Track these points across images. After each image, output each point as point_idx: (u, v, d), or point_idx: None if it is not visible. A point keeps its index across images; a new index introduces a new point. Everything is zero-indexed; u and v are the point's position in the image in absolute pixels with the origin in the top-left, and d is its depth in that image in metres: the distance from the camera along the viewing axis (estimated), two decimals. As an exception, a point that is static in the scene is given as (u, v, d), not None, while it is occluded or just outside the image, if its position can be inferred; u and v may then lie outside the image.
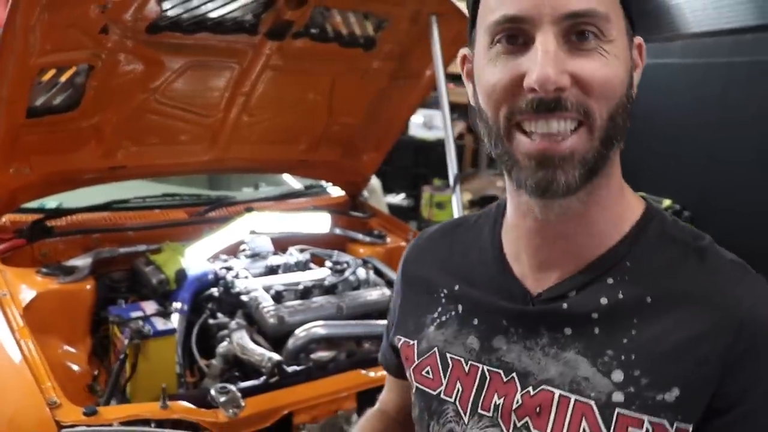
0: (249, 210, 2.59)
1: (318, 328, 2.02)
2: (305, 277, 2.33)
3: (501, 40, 0.71)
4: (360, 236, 2.74)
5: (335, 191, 3.09)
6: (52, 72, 1.90)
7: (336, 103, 2.53)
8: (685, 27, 4.65)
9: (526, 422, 0.77)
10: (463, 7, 2.15)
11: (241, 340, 1.99)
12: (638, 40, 0.77)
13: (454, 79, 6.80)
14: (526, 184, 0.73)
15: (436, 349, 0.87)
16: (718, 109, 4.01)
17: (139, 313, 1.98)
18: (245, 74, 2.24)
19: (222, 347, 2.05)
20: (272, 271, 2.44)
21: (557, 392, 0.75)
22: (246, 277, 2.31)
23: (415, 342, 0.91)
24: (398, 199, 6.09)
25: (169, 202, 2.63)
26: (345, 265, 2.41)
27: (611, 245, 0.78)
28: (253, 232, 2.56)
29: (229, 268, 2.37)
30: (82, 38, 1.79)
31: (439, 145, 6.68)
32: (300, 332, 2.03)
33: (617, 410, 0.72)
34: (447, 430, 0.84)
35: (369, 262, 2.51)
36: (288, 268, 2.45)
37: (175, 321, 2.05)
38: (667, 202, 3.74)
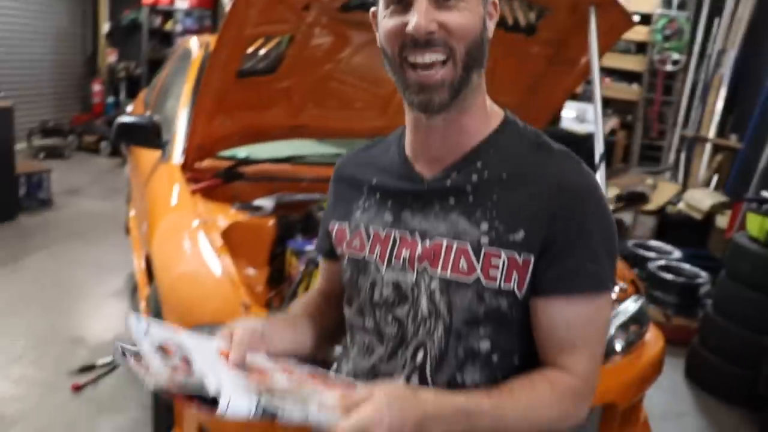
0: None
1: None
2: None
3: (392, 4, 1.02)
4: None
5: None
6: (260, 41, 2.29)
7: (495, 83, 2.74)
8: None
9: (425, 265, 1.08)
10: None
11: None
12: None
13: (611, 73, 6.85)
14: (413, 103, 1.05)
15: (362, 225, 1.17)
16: None
17: (312, 247, 2.35)
18: (417, 51, 2.54)
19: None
20: None
21: (445, 241, 1.06)
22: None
23: (347, 223, 1.20)
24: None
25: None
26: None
27: (479, 141, 1.09)
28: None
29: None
30: (288, 13, 2.16)
31: (590, 139, 6.72)
32: None
33: (484, 249, 1.03)
34: (370, 281, 1.14)
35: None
36: None
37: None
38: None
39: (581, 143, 6.60)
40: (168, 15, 9.55)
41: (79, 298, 4.24)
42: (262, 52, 2.37)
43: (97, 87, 9.21)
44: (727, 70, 6.18)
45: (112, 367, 3.32)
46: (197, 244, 2.24)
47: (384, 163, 1.19)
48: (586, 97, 6.23)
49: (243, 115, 2.58)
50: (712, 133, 6.32)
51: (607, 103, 6.53)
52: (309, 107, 2.67)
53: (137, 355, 1.00)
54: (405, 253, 1.10)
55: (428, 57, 1.00)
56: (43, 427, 2.90)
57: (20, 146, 7.22)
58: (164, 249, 2.36)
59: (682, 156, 6.49)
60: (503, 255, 1.02)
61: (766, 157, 5.24)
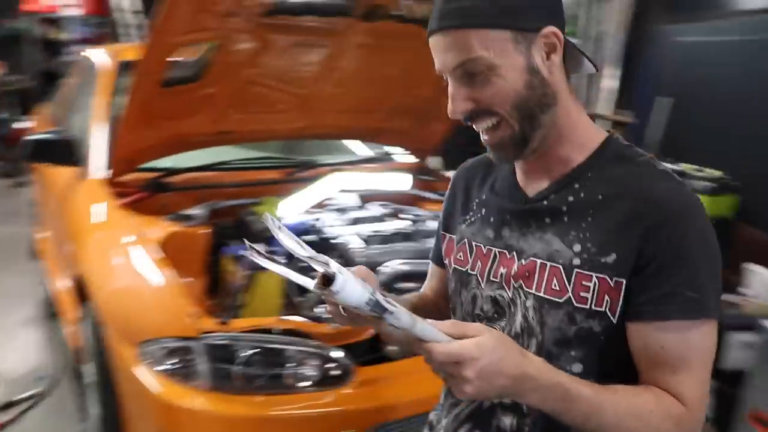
0: (337, 170, 2.96)
1: (400, 266, 2.38)
2: (388, 227, 2.69)
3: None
4: (430, 195, 3.10)
5: (400, 159, 3.45)
6: (185, 49, 2.29)
7: (412, 77, 2.87)
8: (740, 5, 4.85)
9: (520, 283, 1.09)
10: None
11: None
12: (545, 31, 1.01)
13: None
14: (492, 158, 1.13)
15: (466, 239, 1.21)
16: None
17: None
18: (337, 51, 2.60)
19: (317, 283, 2.42)
20: (356, 222, 2.81)
21: (539, 261, 1.07)
22: (335, 226, 2.69)
23: (454, 236, 1.25)
24: (449, 175, 6.42)
25: (264, 164, 3.01)
26: (419, 218, 2.77)
27: (577, 164, 1.10)
28: (343, 190, 2.94)
29: (318, 220, 2.75)
30: (213, 21, 2.17)
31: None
32: (384, 269, 2.40)
33: (575, 270, 1.03)
34: (471, 294, 1.19)
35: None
36: (370, 220, 2.81)
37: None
38: (714, 173, 3.99)
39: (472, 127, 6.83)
40: (54, 23, 9.12)
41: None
42: (186, 60, 2.36)
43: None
44: (615, 50, 6.54)
45: (34, 401, 3.18)
46: (136, 259, 2.22)
47: (496, 179, 1.22)
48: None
49: (167, 125, 2.56)
50: (605, 110, 6.68)
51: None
52: (232, 113, 2.67)
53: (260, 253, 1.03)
54: (503, 270, 1.12)
55: (478, 126, 1.06)
56: None
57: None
58: (100, 268, 2.32)
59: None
60: (594, 278, 1.02)
61: (654, 130, 5.60)
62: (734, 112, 4.67)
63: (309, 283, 0.95)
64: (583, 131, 1.10)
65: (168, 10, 1.99)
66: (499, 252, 1.14)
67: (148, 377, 1.92)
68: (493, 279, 1.13)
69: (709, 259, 1.00)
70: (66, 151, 2.87)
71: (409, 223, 2.77)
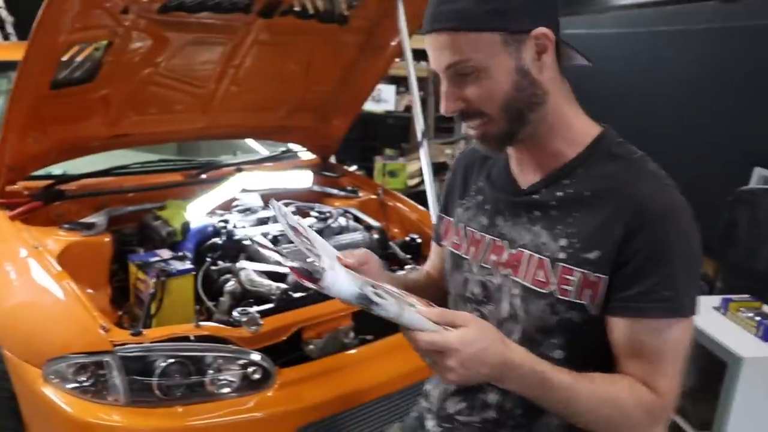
0: (240, 170, 2.90)
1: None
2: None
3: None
4: (335, 191, 3.09)
5: (305, 156, 3.42)
6: (75, 48, 2.16)
7: (312, 73, 2.86)
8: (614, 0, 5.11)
9: (509, 271, 1.17)
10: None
11: (249, 276, 2.32)
12: (535, 32, 1.06)
13: (398, 53, 7.19)
14: None
15: (462, 224, 1.29)
16: (645, 75, 4.48)
17: (158, 257, 2.28)
18: (236, 49, 2.54)
19: (230, 286, 2.37)
20: (262, 222, 2.76)
21: (527, 252, 1.15)
22: (243, 227, 2.63)
23: (452, 219, 1.33)
24: (352, 170, 6.43)
25: (164, 166, 2.90)
26: (328, 214, 2.75)
27: (569, 159, 1.15)
28: (244, 190, 2.87)
29: (225, 221, 2.68)
30: (106, 18, 2.06)
31: (388, 117, 7.02)
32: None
33: (560, 264, 1.10)
34: (463, 277, 1.27)
35: (348, 211, 2.87)
36: (276, 220, 2.76)
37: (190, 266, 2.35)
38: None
39: (379, 122, 6.89)
40: None
41: None
42: (77, 60, 2.23)
43: None
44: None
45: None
46: (31, 274, 2.09)
47: (493, 167, 1.28)
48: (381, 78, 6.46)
49: (59, 129, 2.41)
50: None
51: (399, 81, 6.85)
52: (129, 115, 2.56)
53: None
54: (493, 257, 1.20)
55: (467, 125, 1.14)
56: None
57: None
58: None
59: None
60: (577, 272, 1.08)
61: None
62: (612, 100, 4.92)
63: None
64: (575, 127, 1.16)
65: (52, 6, 1.87)
66: (491, 239, 1.21)
67: (57, 397, 1.81)
68: (484, 265, 1.21)
69: (688, 261, 1.06)
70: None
71: (315, 220, 2.75)
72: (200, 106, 2.73)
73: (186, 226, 2.53)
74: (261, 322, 1.99)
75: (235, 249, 2.55)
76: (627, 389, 1.06)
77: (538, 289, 1.12)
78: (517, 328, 1.15)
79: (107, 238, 2.38)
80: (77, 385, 1.82)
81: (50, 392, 1.82)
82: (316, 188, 3.12)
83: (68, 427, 1.80)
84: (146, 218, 2.54)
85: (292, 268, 1.00)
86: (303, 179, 3.01)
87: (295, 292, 2.25)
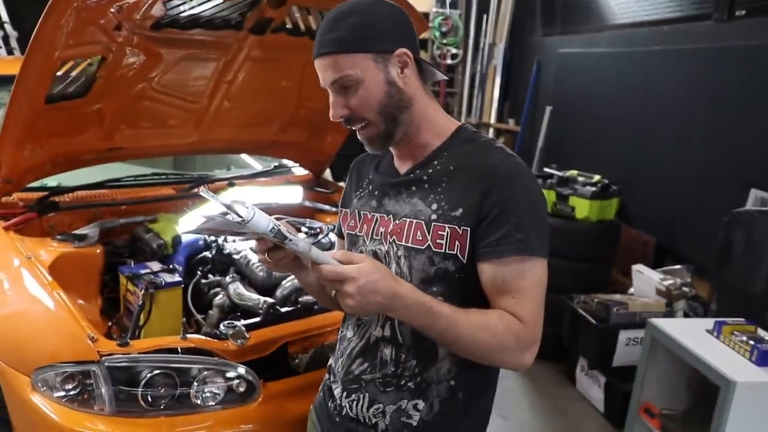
0: (232, 185, 2.93)
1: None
2: None
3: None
4: (327, 207, 3.12)
5: (299, 171, 3.46)
6: (69, 64, 2.21)
7: (305, 90, 2.90)
8: (611, 19, 5.17)
9: (394, 238, 1.38)
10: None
11: (237, 290, 2.35)
12: (398, 52, 1.32)
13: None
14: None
15: (356, 209, 1.51)
16: (641, 94, 4.51)
17: (148, 270, 2.31)
18: (229, 65, 2.59)
19: (218, 299, 2.41)
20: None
21: (407, 220, 1.37)
22: (234, 241, 2.67)
23: (348, 209, 1.54)
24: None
25: (157, 180, 2.94)
26: (318, 230, 2.78)
27: (436, 147, 1.40)
28: (241, 203, 2.90)
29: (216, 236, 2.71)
30: (99, 34, 2.11)
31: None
32: (286, 283, 2.41)
33: (433, 223, 1.33)
34: (359, 250, 1.46)
35: (338, 227, 2.91)
36: None
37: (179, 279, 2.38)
38: (597, 177, 4.23)
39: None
40: None
41: None
42: (71, 75, 2.27)
43: None
44: (499, 61, 6.80)
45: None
46: (23, 283, 2.12)
47: (381, 163, 1.51)
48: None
49: (53, 142, 2.46)
50: (492, 119, 6.93)
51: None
52: (123, 129, 2.60)
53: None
54: (382, 229, 1.41)
55: (353, 126, 1.37)
56: None
57: None
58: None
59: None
60: (447, 228, 1.31)
61: (541, 137, 5.86)
62: (610, 118, 4.97)
63: (238, 214, 1.17)
64: (438, 123, 1.42)
65: (48, 23, 1.92)
66: (379, 216, 1.43)
67: (44, 405, 1.84)
68: (375, 237, 1.43)
69: (533, 211, 1.30)
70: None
71: (304, 236, 2.78)
72: (193, 121, 2.77)
73: (177, 240, 2.57)
74: (247, 335, 2.03)
75: (225, 263, 2.59)
76: (498, 318, 1.27)
77: (418, 247, 1.34)
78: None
79: (98, 250, 2.42)
80: (64, 393, 1.85)
81: (38, 400, 1.85)
82: (308, 204, 3.15)
83: None
84: (137, 231, 2.58)
85: (224, 204, 1.18)
86: (292, 195, 3.04)
87: (282, 306, 2.28)
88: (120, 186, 2.82)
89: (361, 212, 1.49)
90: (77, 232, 2.45)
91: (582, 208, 4.09)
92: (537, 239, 1.28)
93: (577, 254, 4.05)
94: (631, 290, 3.87)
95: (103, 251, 2.44)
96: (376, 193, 1.47)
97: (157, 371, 1.88)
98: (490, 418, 1.52)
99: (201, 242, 2.67)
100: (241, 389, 1.97)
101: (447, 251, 1.31)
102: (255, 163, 3.61)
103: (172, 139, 2.80)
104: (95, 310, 2.37)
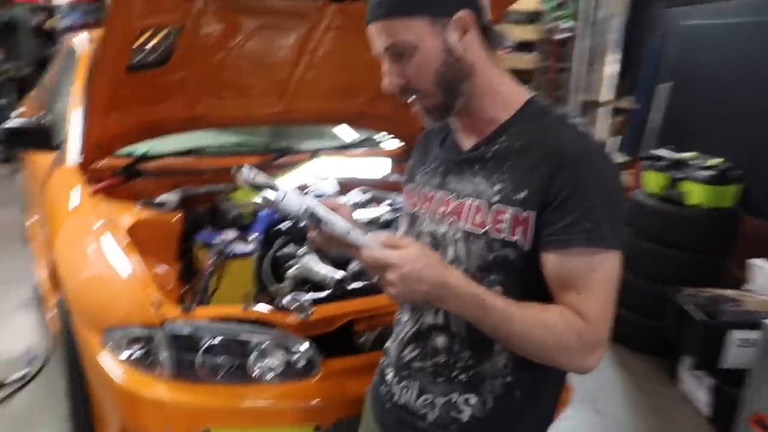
0: (316, 156, 2.90)
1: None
2: (366, 214, 2.63)
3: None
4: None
5: (388, 144, 3.38)
6: (148, 32, 2.23)
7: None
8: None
9: (453, 219, 1.29)
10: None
11: (308, 263, 2.32)
12: (457, 15, 1.20)
13: (506, 44, 7.04)
14: None
15: (419, 186, 1.41)
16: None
17: (221, 238, 2.32)
18: (310, 34, 2.54)
19: (291, 271, 2.38)
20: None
21: (468, 200, 1.27)
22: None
23: (412, 185, 1.45)
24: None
25: (242, 149, 2.95)
26: (401, 205, 2.70)
27: (502, 121, 1.28)
28: (320, 176, 2.88)
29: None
30: (175, 3, 2.11)
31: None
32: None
33: (494, 205, 1.22)
34: (417, 231, 1.38)
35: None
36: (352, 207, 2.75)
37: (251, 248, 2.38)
38: (715, 161, 3.89)
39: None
40: (49, 11, 9.09)
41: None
42: (151, 44, 2.30)
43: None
44: (616, 35, 6.43)
45: (25, 382, 3.22)
46: (102, 246, 2.17)
47: (446, 139, 1.40)
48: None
49: (138, 110, 2.51)
50: (607, 96, 6.58)
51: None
52: (205, 98, 2.62)
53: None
54: (442, 208, 1.32)
55: (407, 99, 1.28)
56: None
57: None
58: (68, 254, 2.28)
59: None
60: (508, 211, 1.20)
61: (656, 116, 5.50)
62: (737, 96, 4.56)
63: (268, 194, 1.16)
64: (505, 95, 1.30)
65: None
66: (441, 195, 1.34)
67: (110, 365, 1.89)
68: (435, 217, 1.33)
69: (606, 196, 1.17)
70: (39, 138, 2.84)
71: (388, 209, 2.71)
72: (276, 91, 2.75)
73: (254, 209, 2.56)
74: (311, 309, 1.97)
75: (301, 235, 2.56)
76: (558, 314, 1.16)
77: (476, 230, 1.24)
78: (461, 268, 1.25)
79: (177, 217, 2.45)
80: (128, 355, 1.88)
81: (105, 359, 1.91)
82: (396, 177, 3.08)
83: (117, 394, 1.88)
84: (217, 199, 2.60)
85: (254, 186, 1.17)
86: (380, 168, 2.97)
87: (353, 282, 2.23)
88: (205, 154, 2.85)
89: (423, 190, 1.39)
90: (158, 199, 2.49)
91: (695, 193, 3.75)
92: (609, 228, 1.16)
93: (686, 243, 3.74)
94: (749, 286, 3.55)
95: (183, 218, 2.46)
96: (440, 169, 1.37)
97: (216, 340, 1.87)
98: (553, 418, 1.42)
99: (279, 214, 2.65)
100: (301, 364, 1.93)
101: (507, 238, 1.20)
102: (351, 134, 3.56)
103: (255, 109, 2.79)
104: (173, 275, 2.41)
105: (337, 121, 3.31)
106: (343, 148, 3.21)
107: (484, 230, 1.23)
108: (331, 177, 2.88)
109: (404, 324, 1.42)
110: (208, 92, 2.62)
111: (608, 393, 3.50)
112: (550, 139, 1.20)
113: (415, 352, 1.38)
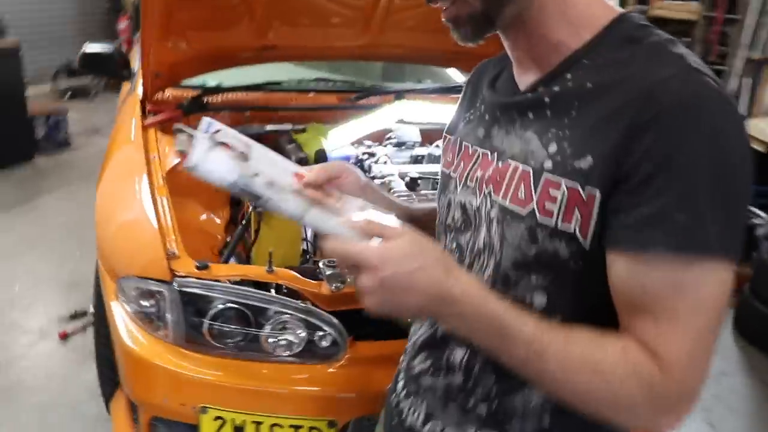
0: (399, 98, 2.54)
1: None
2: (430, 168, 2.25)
3: None
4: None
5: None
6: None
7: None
8: None
9: (491, 189, 0.92)
10: None
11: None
12: None
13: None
14: None
15: (459, 138, 1.05)
16: None
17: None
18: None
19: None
20: (416, 161, 2.38)
21: (512, 163, 0.89)
22: (385, 163, 2.29)
23: (452, 136, 1.09)
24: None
25: (321, 86, 2.65)
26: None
27: (573, 49, 0.87)
28: (401, 121, 2.52)
29: (371, 154, 2.36)
30: None
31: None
32: None
33: (545, 175, 0.83)
34: (447, 200, 1.04)
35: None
36: (433, 160, 2.36)
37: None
38: None
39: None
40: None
41: (85, 242, 4.05)
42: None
43: (123, 24, 8.86)
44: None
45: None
46: (135, 187, 1.95)
47: (502, 71, 1.04)
48: None
49: (199, 36, 2.25)
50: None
51: (663, 23, 5.90)
52: (277, 25, 2.31)
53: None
54: (479, 173, 0.96)
55: (435, 4, 0.94)
56: (26, 376, 2.83)
57: (44, 87, 7.12)
58: (103, 191, 2.08)
59: (747, 82, 5.85)
60: (563, 185, 0.81)
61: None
62: None
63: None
64: (581, 9, 0.88)
65: None
66: (482, 153, 0.98)
67: (119, 317, 1.71)
68: (469, 183, 0.98)
69: (719, 176, 0.73)
70: (112, 65, 2.68)
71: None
72: (360, 21, 2.40)
73: (321, 154, 2.26)
74: (346, 280, 1.64)
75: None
76: (619, 352, 0.76)
77: (516, 209, 0.86)
78: (492, 261, 0.91)
79: (230, 158, 2.19)
80: (137, 308, 1.67)
81: (115, 311, 1.73)
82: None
83: (118, 348, 1.71)
84: (280, 140, 2.32)
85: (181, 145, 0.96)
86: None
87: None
88: (280, 89, 2.57)
89: (464, 144, 1.03)
90: (214, 136, 2.24)
91: None
92: (717, 227, 0.73)
93: None
94: None
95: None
96: (486, 117, 1.00)
97: (229, 304, 1.60)
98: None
99: (351, 160, 2.32)
100: (324, 344, 1.62)
101: (559, 224, 0.81)
102: (459, 78, 3.15)
103: (335, 41, 2.45)
104: (221, 222, 2.17)
105: (430, 61, 2.90)
106: (436, 91, 2.79)
107: (527, 210, 0.84)
108: (413, 124, 2.50)
109: (421, 324, 1.08)
110: (281, 19, 2.32)
111: (728, 403, 2.93)
112: (640, 76, 0.77)
113: (427, 364, 1.03)
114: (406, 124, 2.51)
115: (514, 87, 0.96)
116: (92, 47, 2.74)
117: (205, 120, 0.99)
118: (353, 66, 3.04)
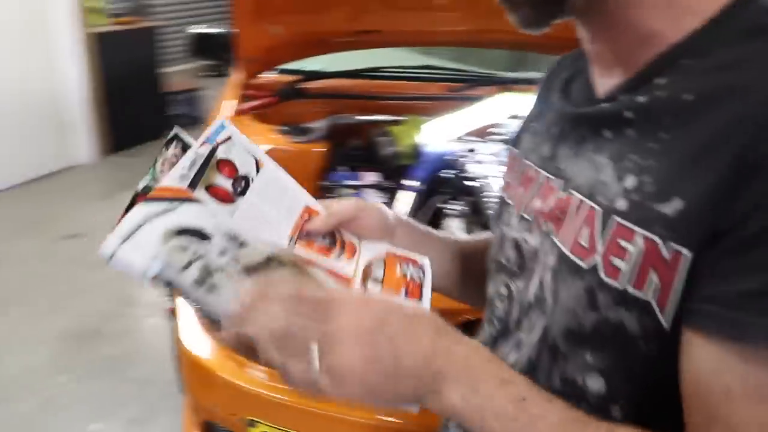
0: (509, 90, 2.33)
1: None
2: None
3: None
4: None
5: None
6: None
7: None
8: None
9: (551, 227, 0.72)
10: None
11: (448, 228, 1.81)
12: None
13: None
14: None
15: (522, 155, 0.85)
16: None
17: (352, 182, 1.91)
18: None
19: (438, 232, 1.89)
20: None
21: (577, 196, 0.67)
22: (482, 163, 2.09)
23: (516, 150, 0.88)
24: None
25: (426, 74, 2.48)
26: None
27: (671, 43, 0.63)
28: (513, 117, 2.30)
29: (471, 151, 2.16)
30: None
31: None
32: None
33: (614, 218, 0.61)
34: (500, 232, 0.85)
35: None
36: None
37: (403, 198, 1.92)
38: None
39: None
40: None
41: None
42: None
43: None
44: None
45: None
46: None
47: (579, 75, 0.81)
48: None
49: (295, 20, 2.16)
50: None
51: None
52: (376, 8, 2.17)
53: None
54: (539, 203, 0.76)
55: None
56: (133, 348, 3.03)
57: (185, 66, 7.41)
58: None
59: None
60: (638, 236, 0.58)
61: None
62: None
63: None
64: None
65: None
66: (545, 177, 0.76)
67: (186, 310, 1.65)
68: (525, 215, 0.79)
69: None
70: (219, 48, 2.65)
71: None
72: (466, 4, 2.21)
73: (415, 149, 2.09)
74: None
75: (462, 189, 2.04)
76: None
77: (577, 260, 0.64)
78: (540, 322, 0.70)
79: (318, 149, 2.07)
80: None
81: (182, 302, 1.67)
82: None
83: (179, 346, 1.63)
84: (372, 132, 2.17)
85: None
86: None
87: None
88: (380, 77, 2.43)
89: (526, 162, 0.82)
90: (304, 125, 2.14)
91: None
92: None
93: None
94: None
95: (326, 151, 2.09)
96: (553, 130, 0.78)
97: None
98: None
99: (452, 158, 2.14)
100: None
101: (629, 290, 0.58)
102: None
103: (439, 26, 2.28)
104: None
105: (544, 49, 2.64)
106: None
107: (589, 264, 0.62)
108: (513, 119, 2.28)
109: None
110: (381, 2, 2.18)
111: None
112: (761, 86, 0.54)
113: None
114: (517, 118, 2.29)
115: (591, 93, 0.73)
116: (201, 29, 2.72)
117: (217, 122, 0.82)
118: (476, 54, 2.86)
